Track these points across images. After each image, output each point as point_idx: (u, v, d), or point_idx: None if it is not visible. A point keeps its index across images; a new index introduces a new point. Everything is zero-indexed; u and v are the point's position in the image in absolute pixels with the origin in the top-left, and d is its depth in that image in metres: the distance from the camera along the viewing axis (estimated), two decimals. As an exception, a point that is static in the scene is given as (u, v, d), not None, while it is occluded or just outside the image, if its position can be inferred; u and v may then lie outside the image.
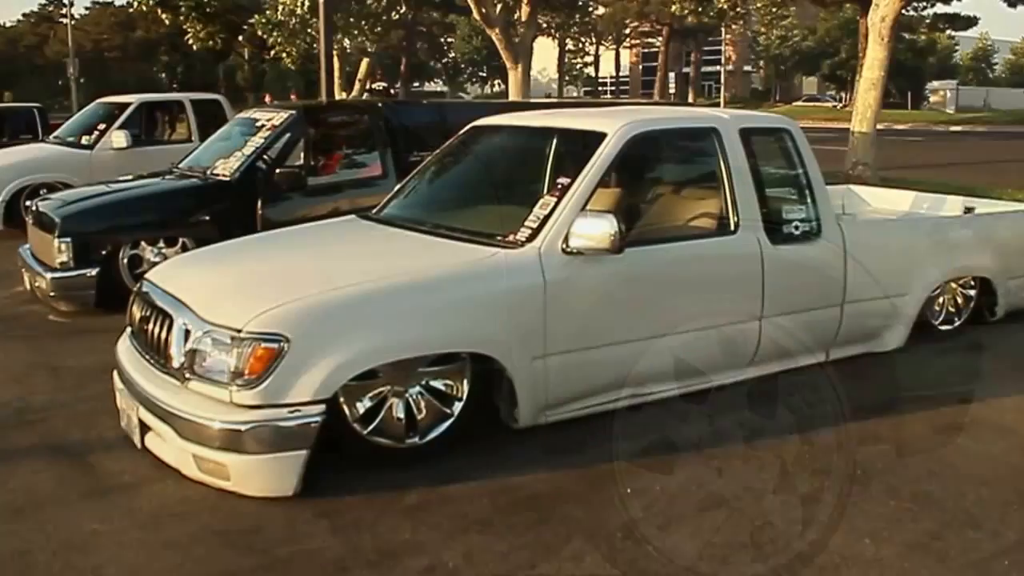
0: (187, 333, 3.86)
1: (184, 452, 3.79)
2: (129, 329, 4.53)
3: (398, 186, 5.66)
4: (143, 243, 7.15)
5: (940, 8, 42.26)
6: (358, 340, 3.77)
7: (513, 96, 17.71)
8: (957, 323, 5.99)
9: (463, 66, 65.54)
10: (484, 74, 67.39)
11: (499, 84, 70.82)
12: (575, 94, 77.45)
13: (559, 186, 4.43)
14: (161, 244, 7.21)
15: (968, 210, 6.74)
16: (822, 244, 5.11)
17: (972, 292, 6.02)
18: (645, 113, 5.10)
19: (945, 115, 43.60)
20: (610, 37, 66.45)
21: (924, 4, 43.38)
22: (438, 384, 4.08)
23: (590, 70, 76.51)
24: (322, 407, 3.70)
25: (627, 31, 62.59)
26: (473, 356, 4.07)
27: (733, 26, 48.64)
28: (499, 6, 16.78)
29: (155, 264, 7.09)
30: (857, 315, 5.35)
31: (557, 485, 3.85)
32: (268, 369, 3.64)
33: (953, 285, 5.90)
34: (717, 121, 4.95)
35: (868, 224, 5.52)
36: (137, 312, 4.38)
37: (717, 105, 48.91)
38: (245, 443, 3.64)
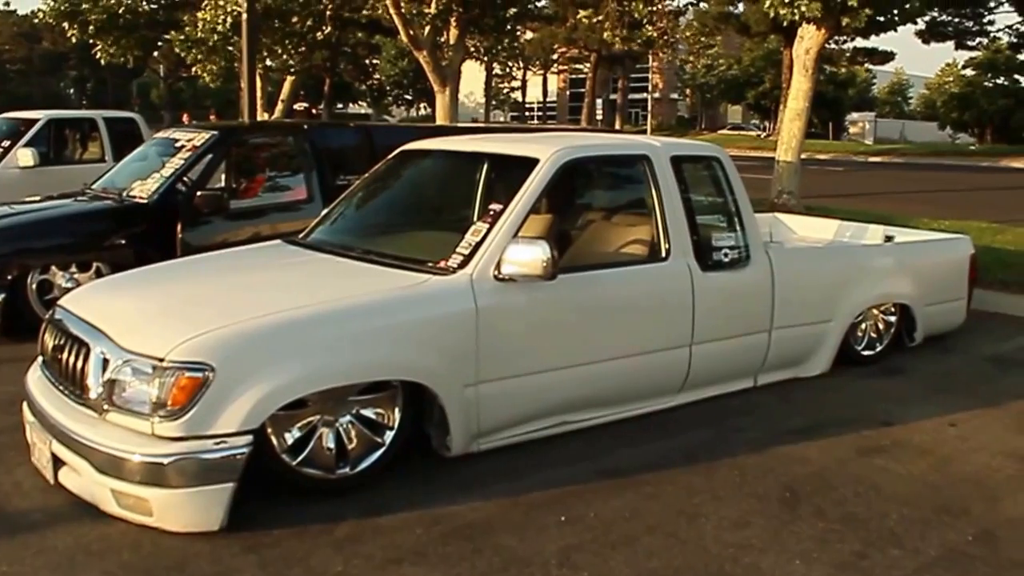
0: (105, 362, 3.70)
1: (102, 487, 3.62)
2: (41, 359, 4.32)
3: (325, 211, 5.56)
4: (53, 268, 6.86)
5: (859, 42, 43.86)
6: (286, 368, 3.66)
7: (440, 120, 17.65)
8: (879, 348, 6.13)
9: (388, 88, 65.14)
10: (410, 97, 67.06)
11: (425, 107, 70.70)
12: (502, 119, 77.80)
13: (491, 212, 4.40)
14: (73, 269, 6.93)
15: (888, 239, 6.94)
16: (750, 271, 5.19)
17: (892, 318, 6.18)
18: (577, 139, 5.12)
19: (864, 145, 45.07)
20: (537, 62, 67.00)
21: (844, 38, 44.99)
22: (369, 413, 3.99)
23: (517, 95, 77.02)
24: (249, 438, 3.58)
25: (555, 56, 63.25)
26: (404, 384, 4.00)
27: (660, 54, 49.66)
28: (427, 28, 16.72)
29: (67, 290, 6.87)
30: (784, 341, 5.44)
31: (491, 514, 3.79)
32: (192, 399, 3.50)
33: (875, 311, 6.05)
34: (648, 148, 4.99)
35: (794, 252, 5.63)
36: (50, 341, 4.18)
37: (644, 132, 49.76)
38: (168, 477, 3.49)
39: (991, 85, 50.83)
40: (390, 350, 3.92)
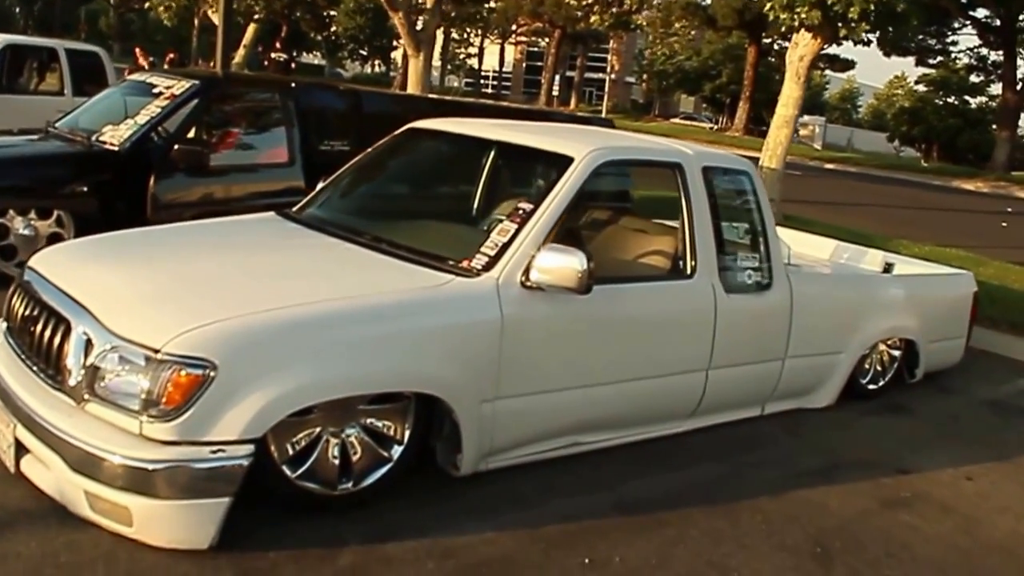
0: (88, 344, 3.26)
1: (74, 487, 3.19)
2: (6, 325, 3.86)
3: (322, 184, 5.10)
4: (11, 211, 6.30)
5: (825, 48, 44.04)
6: (297, 372, 3.25)
7: (412, 86, 17.07)
8: (881, 383, 5.93)
9: (343, 42, 63.63)
10: (365, 53, 65.67)
11: (379, 65, 69.38)
12: (455, 84, 76.77)
13: (520, 212, 4.03)
14: (32, 215, 6.37)
15: (888, 266, 6.75)
16: (772, 295, 4.91)
17: (897, 353, 5.99)
18: (609, 138, 4.76)
19: (816, 151, 45.42)
20: (496, 31, 66.13)
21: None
22: (378, 424, 3.61)
23: (473, 62, 76.01)
24: (250, 447, 3.18)
25: (515, 28, 62.43)
26: (418, 396, 3.63)
27: (624, 36, 49.22)
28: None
29: (25, 239, 6.32)
30: (796, 370, 5.20)
31: (507, 550, 3.45)
32: (189, 399, 3.08)
33: (882, 345, 5.84)
34: (681, 156, 4.66)
35: (814, 277, 5.38)
36: (19, 307, 3.71)
37: (599, 112, 49.41)
38: (155, 485, 3.08)
39: (941, 103, 51.69)
40: (410, 358, 3.54)
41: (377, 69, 69.38)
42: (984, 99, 50.90)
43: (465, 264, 3.88)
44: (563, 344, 4.03)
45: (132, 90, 7.71)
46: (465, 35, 69.36)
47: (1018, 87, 36.51)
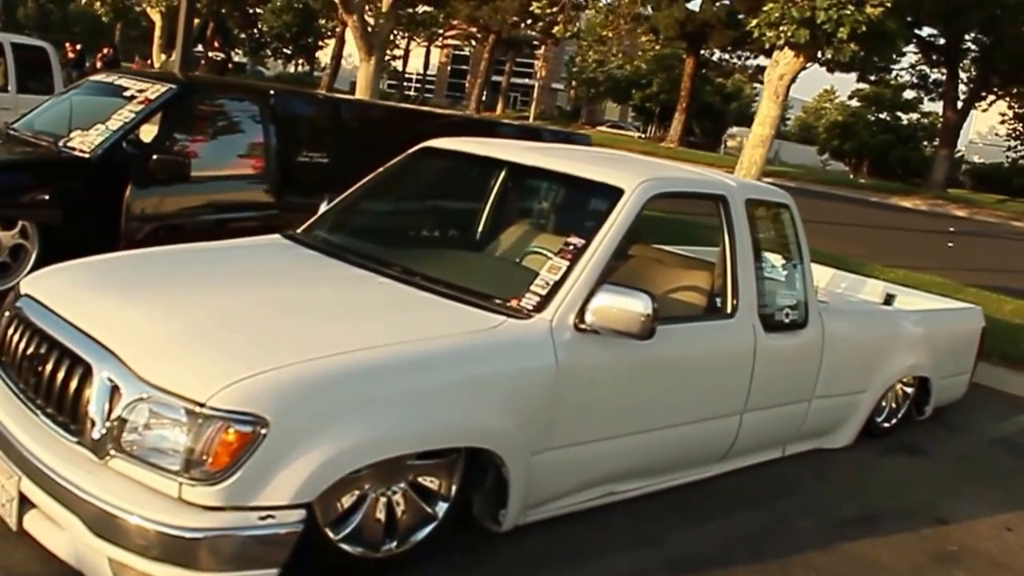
0: (114, 392, 2.89)
1: (95, 553, 2.82)
2: (-1, 359, 3.45)
3: (325, 205, 4.72)
4: (-30, 222, 5.81)
5: (763, 60, 44.75)
6: (353, 428, 2.93)
7: (361, 90, 16.61)
8: (894, 421, 5.82)
9: (268, 40, 62.31)
10: (289, 52, 64.42)
11: (303, 64, 68.08)
12: (380, 86, 75.60)
13: (571, 247, 3.76)
14: (-3, 224, 5.88)
15: (889, 297, 6.67)
16: (806, 334, 4.74)
17: (911, 390, 5.89)
18: (652, 168, 4.51)
19: (733, 160, 46.04)
20: (423, 33, 65.50)
21: (747, 54, 45.85)
22: (425, 481, 3.30)
23: (398, 64, 75.04)
24: (302, 513, 2.85)
25: (442, 32, 61.84)
26: (469, 450, 3.33)
27: (554, 43, 48.77)
28: (361, -8, 15.69)
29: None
30: (821, 411, 5.04)
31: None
32: (238, 460, 2.75)
33: (897, 383, 5.72)
34: (725, 188, 4.45)
35: (842, 315, 5.23)
36: (17, 340, 3.31)
37: (526, 118, 49.25)
38: (197, 556, 2.73)
39: (874, 119, 52.99)
40: (469, 410, 3.24)
41: (302, 68, 68.11)
42: (916, 116, 52.35)
43: (514, 304, 3.59)
44: (613, 391, 3.77)
45: (98, 91, 7.21)
46: (392, 37, 68.45)
47: (959, 106, 37.51)
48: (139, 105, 6.42)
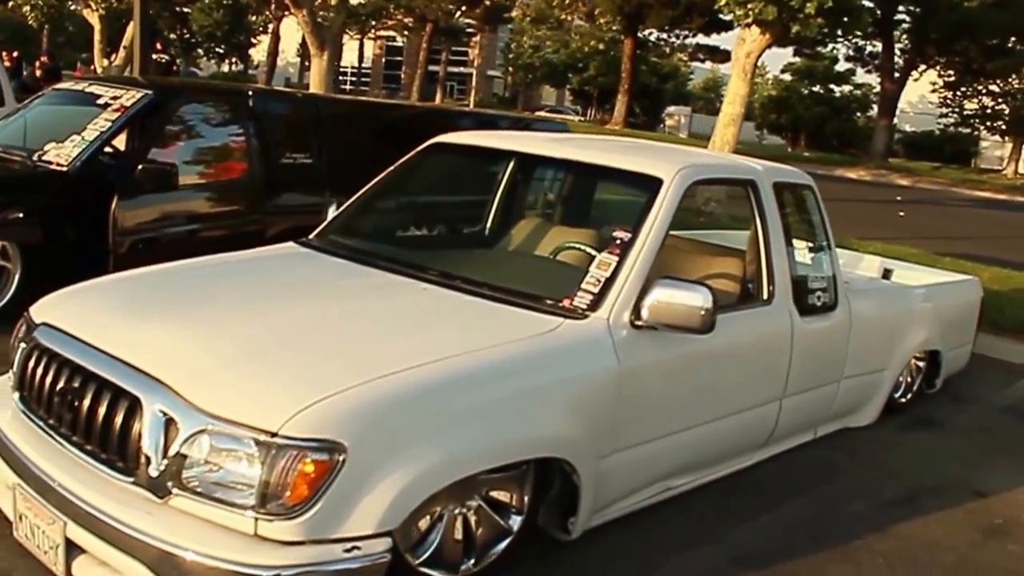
0: (169, 425, 2.69)
1: (161, 598, 2.62)
2: (18, 395, 3.20)
3: (335, 211, 4.52)
4: (-56, 243, 5.47)
5: (701, 39, 45.03)
6: (431, 448, 2.77)
7: (315, 86, 16.26)
8: (910, 395, 5.82)
9: (199, 40, 60.80)
10: (221, 51, 62.98)
11: (236, 63, 66.67)
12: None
13: (618, 241, 3.62)
14: (-30, 245, 5.55)
15: (887, 272, 6.67)
16: (836, 316, 4.68)
17: (922, 364, 5.88)
18: (685, 155, 4.38)
19: (681, 139, 46.30)
20: (355, 27, 64.56)
21: (686, 33, 46.03)
22: (498, 495, 3.15)
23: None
24: (388, 541, 2.69)
25: (375, 23, 60.99)
26: (539, 459, 3.19)
27: (488, 30, 48.53)
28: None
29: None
30: (849, 391, 5.00)
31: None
32: (317, 491, 2.57)
33: (912, 358, 5.72)
34: (753, 172, 4.35)
35: (865, 294, 5.17)
36: (43, 374, 3.06)
37: (466, 106, 48.87)
38: (282, 596, 2.55)
39: (807, 92, 53.71)
40: (540, 419, 3.10)
41: (235, 67, 66.64)
42: (849, 88, 53.20)
43: (567, 303, 3.45)
44: (669, 387, 3.66)
45: (65, 100, 6.90)
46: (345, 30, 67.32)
47: (895, 76, 38.12)
48: (115, 113, 6.13)
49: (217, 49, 62.81)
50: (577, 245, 4.12)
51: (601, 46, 48.58)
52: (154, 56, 15.99)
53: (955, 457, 5.13)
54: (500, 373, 3.05)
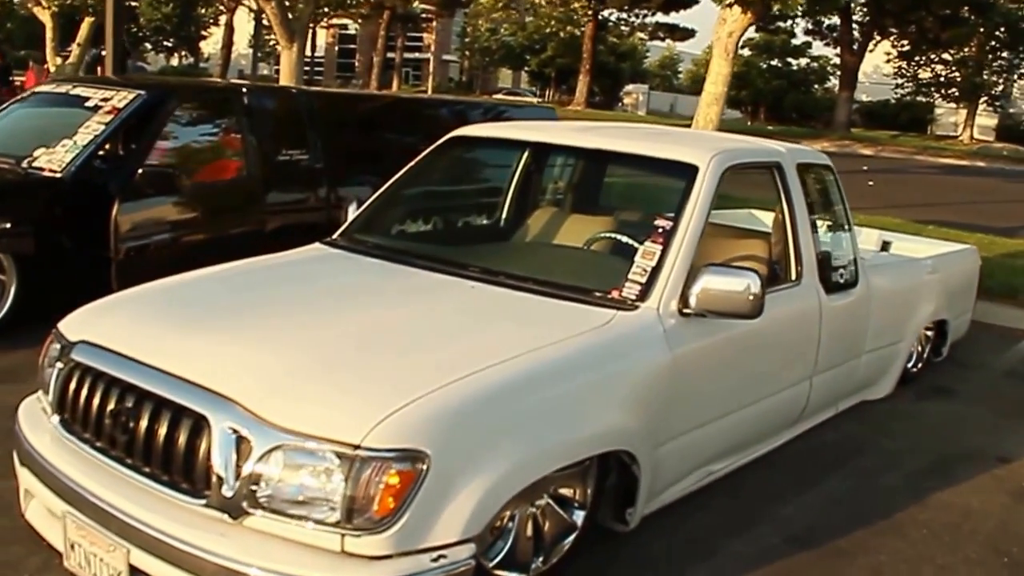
0: (240, 443, 2.62)
1: (243, 620, 2.56)
2: (59, 419, 3.09)
3: (355, 210, 4.43)
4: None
5: (660, 18, 45.09)
6: (507, 450, 2.74)
7: (285, 78, 16.03)
8: (920, 365, 5.90)
9: (147, 34, 59.51)
10: (170, 44, 61.74)
11: (185, 56, 65.46)
12: (264, 72, 73.51)
13: (660, 230, 3.61)
14: (-34, 259, 5.40)
15: (886, 244, 6.74)
16: (857, 292, 4.72)
17: (931, 333, 5.97)
18: (714, 141, 4.36)
19: (639, 117, 46.42)
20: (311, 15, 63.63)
21: (645, 12, 46.05)
22: (564, 491, 3.14)
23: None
24: (472, 547, 2.66)
25: (328, 10, 60.29)
26: (601, 454, 3.17)
27: (445, 14, 47.93)
28: (275, -24, 15.05)
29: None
30: (870, 364, 5.07)
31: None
32: (404, 502, 2.52)
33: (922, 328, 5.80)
34: (779, 155, 4.36)
35: (880, 269, 5.21)
36: (88, 395, 2.95)
37: (424, 92, 48.44)
38: (376, 613, 2.51)
39: (766, 66, 54.11)
40: (605, 413, 3.09)
41: (184, 61, 65.36)
42: (806, 60, 53.69)
43: (616, 295, 3.44)
44: (717, 372, 3.68)
45: (49, 104, 6.74)
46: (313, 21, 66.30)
47: (854, 48, 38.52)
48: (107, 116, 5.99)
49: (165, 43, 61.52)
50: (611, 235, 4.11)
51: (569, 27, 48.42)
52: (102, 52, 15.60)
53: (973, 424, 5.26)
54: (564, 370, 3.03)
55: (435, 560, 2.58)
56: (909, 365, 5.73)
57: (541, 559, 3.08)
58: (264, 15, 55.87)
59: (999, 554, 3.67)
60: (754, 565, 3.42)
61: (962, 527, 3.90)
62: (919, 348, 5.85)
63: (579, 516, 3.19)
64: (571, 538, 3.16)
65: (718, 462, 3.99)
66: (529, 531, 3.01)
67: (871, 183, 19.72)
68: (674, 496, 3.75)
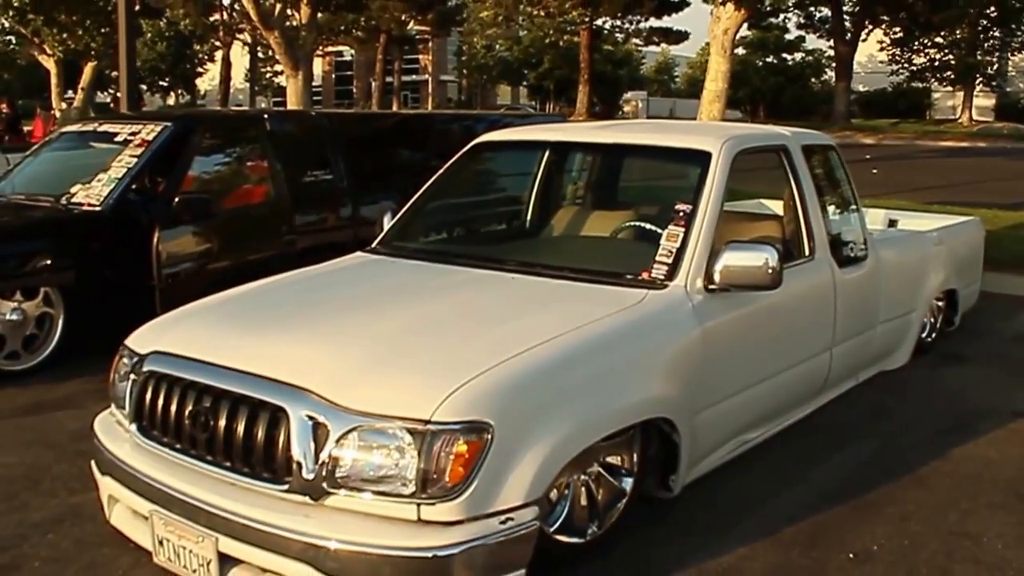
0: (316, 429, 2.86)
1: (334, 593, 2.79)
2: (136, 426, 3.33)
3: (390, 219, 4.68)
4: (-6, 298, 5.57)
5: (654, 22, 45.31)
6: (562, 418, 2.99)
7: (293, 105, 16.35)
8: (934, 335, 6.13)
9: (143, 74, 59.78)
10: (166, 83, 61.97)
11: (183, 94, 65.84)
12: (262, 104, 74.06)
13: (681, 214, 3.87)
14: (19, 296, 5.65)
15: (892, 222, 6.97)
16: (868, 264, 4.97)
17: (941, 304, 6.20)
18: (723, 129, 4.63)
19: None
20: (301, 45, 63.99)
21: (638, 17, 46.35)
22: (613, 459, 3.38)
23: (281, 79, 73.18)
24: (536, 510, 2.90)
25: (324, 38, 60.64)
26: (644, 422, 3.42)
27: (440, 35, 48.34)
28: (277, 6, 15.38)
29: (14, 325, 5.56)
30: (885, 334, 5.30)
31: (772, 560, 3.36)
32: (472, 470, 2.76)
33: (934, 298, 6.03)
34: (784, 138, 4.63)
35: (888, 243, 5.46)
36: (166, 401, 3.19)
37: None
38: (453, 573, 2.75)
39: (762, 63, 54.31)
40: (645, 383, 3.35)
41: (181, 98, 65.50)
42: (801, 55, 53.94)
43: (646, 276, 3.70)
44: (744, 343, 3.93)
45: (78, 142, 7.03)
46: (270, 53, 66.96)
47: (847, 38, 38.76)
48: (138, 148, 6.26)
49: (161, 82, 61.81)
50: (635, 224, 4.37)
51: (565, 37, 48.69)
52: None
53: (987, 385, 5.50)
54: (606, 345, 3.29)
55: (503, 523, 2.82)
56: (923, 335, 5.96)
57: (596, 524, 3.32)
58: (259, 48, 56.83)
59: (1020, 497, 3.90)
60: (795, 519, 3.66)
61: (983, 476, 4.13)
62: (932, 319, 6.08)
63: (627, 483, 3.44)
64: (622, 503, 3.41)
65: (750, 431, 4.23)
66: (583, 499, 3.26)
67: (875, 171, 19.91)
68: (712, 465, 3.98)
